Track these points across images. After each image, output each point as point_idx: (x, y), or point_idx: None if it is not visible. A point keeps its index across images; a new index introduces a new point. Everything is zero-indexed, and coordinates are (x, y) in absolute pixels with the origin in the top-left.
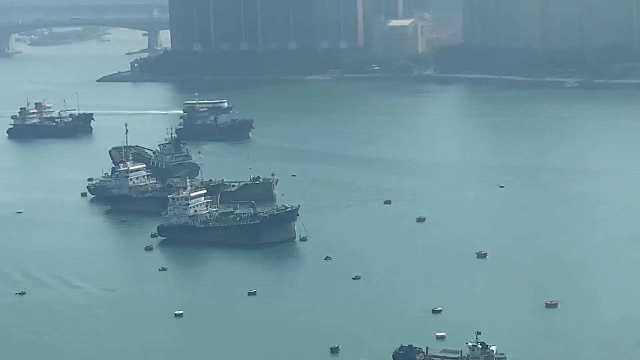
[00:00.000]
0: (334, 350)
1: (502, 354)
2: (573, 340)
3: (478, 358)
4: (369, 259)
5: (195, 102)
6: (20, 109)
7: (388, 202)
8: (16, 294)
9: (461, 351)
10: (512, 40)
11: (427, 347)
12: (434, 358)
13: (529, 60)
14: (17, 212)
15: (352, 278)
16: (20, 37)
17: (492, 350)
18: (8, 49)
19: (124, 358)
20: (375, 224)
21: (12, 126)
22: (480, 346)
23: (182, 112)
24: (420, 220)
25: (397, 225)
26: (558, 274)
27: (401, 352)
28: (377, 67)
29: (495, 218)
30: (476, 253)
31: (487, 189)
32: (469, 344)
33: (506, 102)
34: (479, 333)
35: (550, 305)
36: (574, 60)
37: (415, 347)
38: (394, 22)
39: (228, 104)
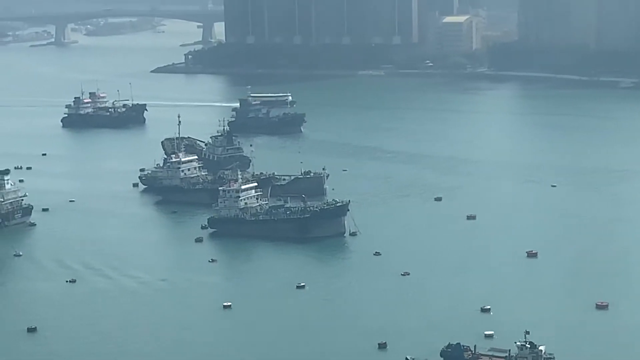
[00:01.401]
0: (382, 346)
1: (550, 354)
2: (623, 343)
3: (526, 358)
4: (419, 256)
5: (259, 95)
6: (75, 98)
7: (439, 199)
8: (66, 281)
9: (509, 350)
10: (567, 38)
11: (475, 346)
12: (481, 357)
13: (584, 59)
14: (70, 201)
15: (401, 274)
16: (76, 27)
17: (541, 350)
18: (64, 39)
19: (171, 348)
20: (426, 220)
21: (66, 115)
22: (529, 346)
23: (237, 104)
24: (471, 217)
25: (447, 222)
26: (609, 275)
27: (449, 349)
28: (430, 64)
29: (546, 217)
30: (526, 252)
31: (539, 188)
32: (518, 343)
33: (560, 101)
34: (527, 332)
35: (601, 307)
36: (630, 59)
37: (463, 345)
38: (448, 19)
39: (292, 98)
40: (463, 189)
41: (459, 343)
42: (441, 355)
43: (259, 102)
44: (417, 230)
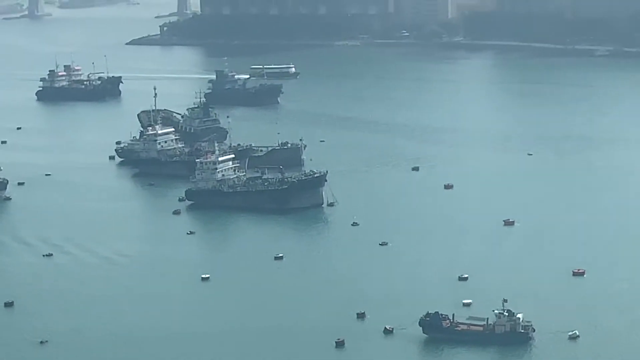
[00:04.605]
0: (360, 316)
1: (528, 321)
2: (599, 309)
3: (504, 325)
4: (397, 225)
5: (263, 66)
6: (49, 71)
7: (416, 169)
8: (43, 255)
9: (487, 318)
10: (543, 7)
11: (453, 314)
12: (460, 325)
13: (559, 28)
14: (46, 174)
15: (379, 244)
16: None
17: (519, 318)
18: (38, 11)
19: (149, 319)
20: (403, 190)
21: (41, 88)
22: (507, 314)
23: (214, 76)
24: (448, 187)
25: (425, 192)
26: (586, 242)
27: (427, 318)
28: (406, 33)
29: (523, 186)
30: (504, 221)
31: (516, 157)
32: (496, 311)
33: (536, 69)
34: (505, 301)
35: (578, 274)
36: (605, 28)
37: (442, 314)
38: None
39: (295, 70)
40: (440, 158)
41: (437, 312)
42: (420, 325)
43: (234, 73)
44: (395, 200)
